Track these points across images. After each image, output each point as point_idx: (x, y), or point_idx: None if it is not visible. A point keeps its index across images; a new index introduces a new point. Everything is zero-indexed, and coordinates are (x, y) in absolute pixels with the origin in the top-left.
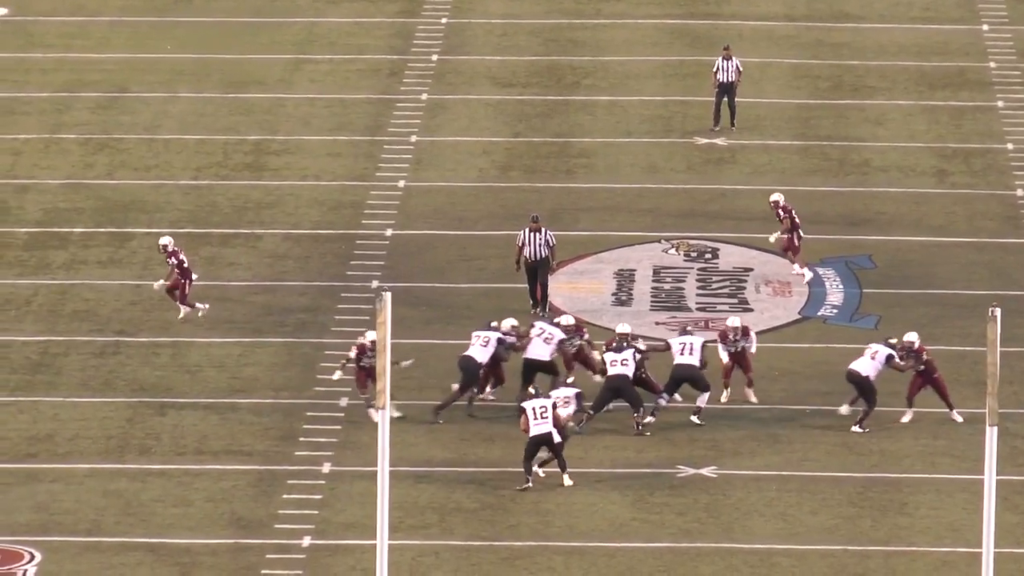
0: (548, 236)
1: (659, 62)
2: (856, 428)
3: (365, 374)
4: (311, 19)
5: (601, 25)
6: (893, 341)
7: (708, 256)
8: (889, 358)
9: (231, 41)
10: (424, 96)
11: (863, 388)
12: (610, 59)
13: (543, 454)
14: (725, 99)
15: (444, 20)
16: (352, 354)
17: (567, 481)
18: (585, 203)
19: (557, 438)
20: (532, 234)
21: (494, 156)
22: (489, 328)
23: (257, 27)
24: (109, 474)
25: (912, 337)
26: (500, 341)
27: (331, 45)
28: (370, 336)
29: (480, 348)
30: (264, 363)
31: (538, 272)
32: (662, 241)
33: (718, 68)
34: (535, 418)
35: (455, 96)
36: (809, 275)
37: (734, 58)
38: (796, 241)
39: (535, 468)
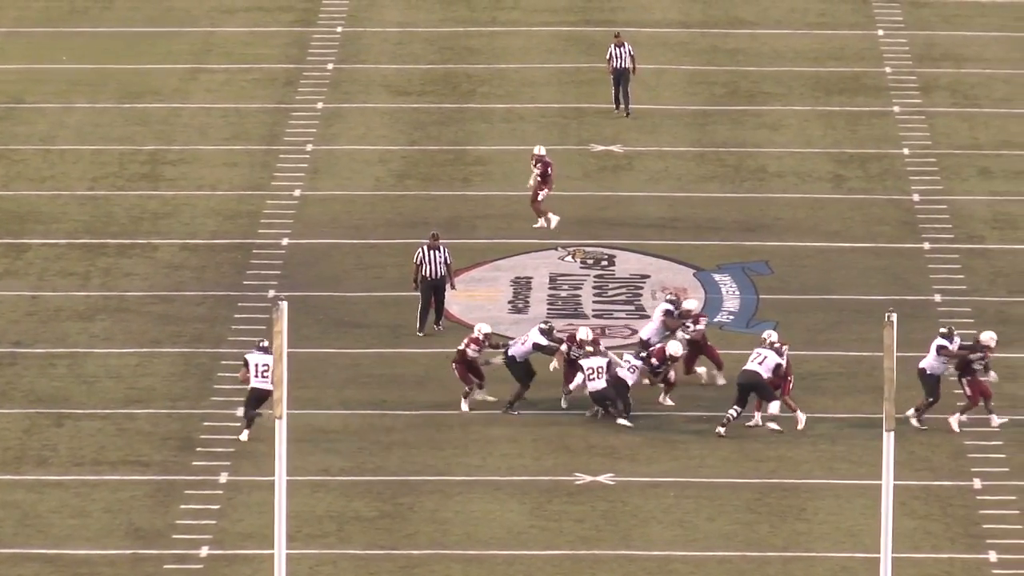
0: (446, 253)
1: (555, 69)
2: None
3: (465, 368)
4: (207, 28)
5: (496, 33)
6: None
7: (604, 263)
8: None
9: (127, 51)
10: (320, 105)
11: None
12: (506, 67)
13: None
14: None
15: (339, 29)
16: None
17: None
18: (482, 211)
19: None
20: (431, 252)
21: (390, 164)
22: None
23: (153, 37)
24: (6, 485)
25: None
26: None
27: (227, 55)
28: (483, 328)
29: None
30: (161, 373)
31: (438, 291)
32: (559, 248)
33: (611, 55)
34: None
35: (351, 104)
36: (555, 220)
37: (626, 44)
38: (540, 195)
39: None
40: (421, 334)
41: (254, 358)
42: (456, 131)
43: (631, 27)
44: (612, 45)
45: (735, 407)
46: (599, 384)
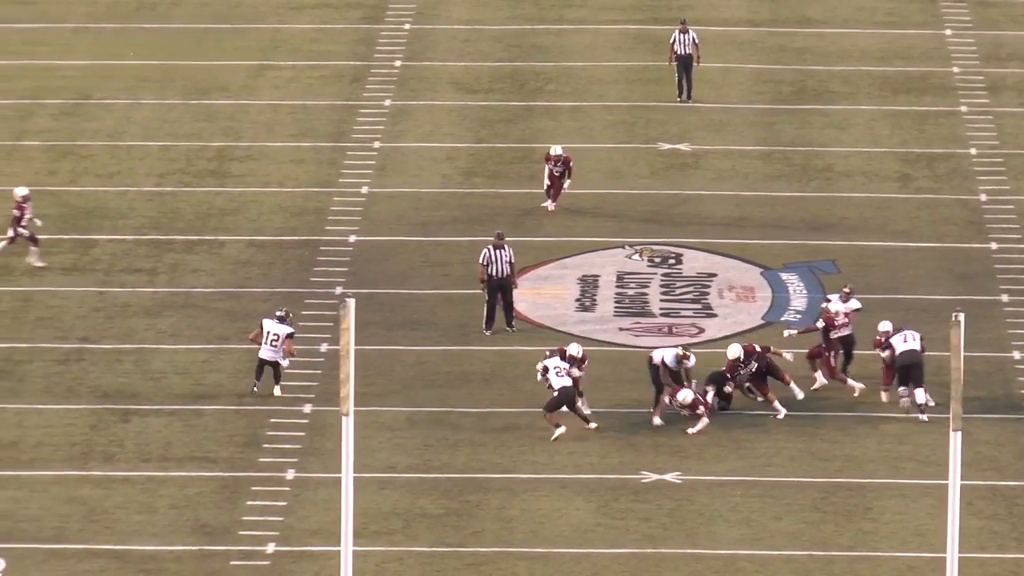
0: (511, 253)
1: (622, 67)
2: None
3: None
4: (275, 25)
5: (564, 31)
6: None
7: (672, 261)
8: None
9: (195, 47)
10: (387, 102)
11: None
12: (573, 64)
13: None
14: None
15: (407, 26)
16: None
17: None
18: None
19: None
20: (497, 251)
21: (457, 162)
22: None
23: (221, 33)
24: (73, 481)
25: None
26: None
27: (295, 51)
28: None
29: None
30: (228, 370)
31: (504, 291)
32: (626, 247)
33: (675, 41)
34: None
35: (418, 102)
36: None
37: (691, 31)
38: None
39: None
40: (488, 333)
41: (268, 325)
42: (523, 129)
43: (699, 25)
44: (677, 31)
45: (901, 388)
46: (566, 381)
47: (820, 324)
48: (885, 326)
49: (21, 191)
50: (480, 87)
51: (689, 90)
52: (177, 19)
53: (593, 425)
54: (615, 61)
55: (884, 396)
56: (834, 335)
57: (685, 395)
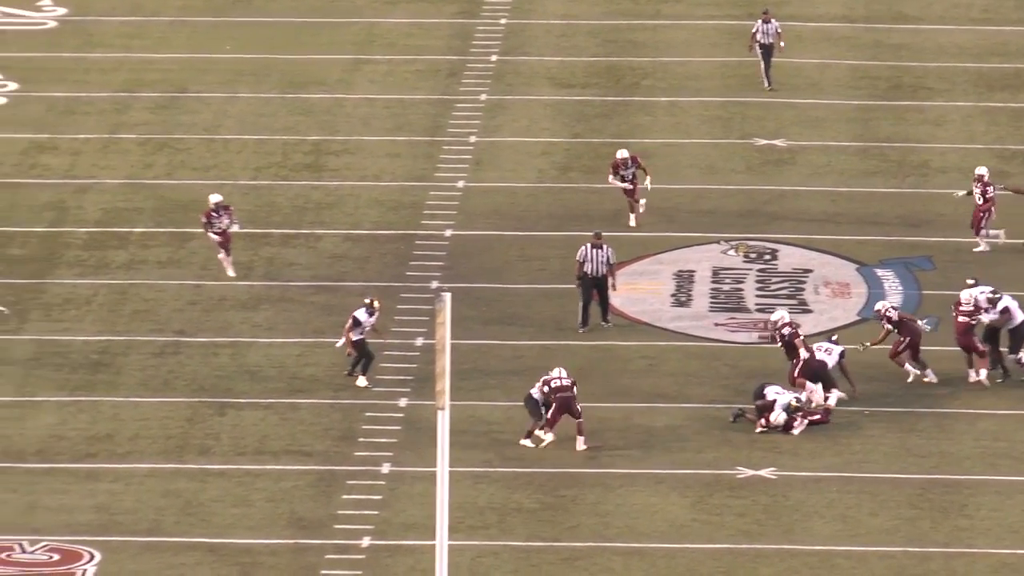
0: (609, 253)
1: (718, 63)
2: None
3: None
4: (371, 19)
5: (660, 26)
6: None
7: (767, 257)
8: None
9: (291, 41)
10: (483, 96)
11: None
12: (669, 60)
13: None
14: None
15: (503, 21)
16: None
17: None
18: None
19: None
20: (594, 250)
21: (553, 157)
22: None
23: (317, 27)
24: (169, 474)
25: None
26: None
27: (390, 46)
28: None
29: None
30: (324, 363)
31: (599, 289)
32: (721, 242)
33: (757, 30)
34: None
35: (514, 97)
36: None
37: (773, 20)
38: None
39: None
40: (582, 331)
41: (360, 315)
42: (619, 124)
43: (795, 21)
44: (759, 20)
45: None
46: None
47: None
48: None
49: (215, 198)
50: (576, 82)
51: (768, 80)
52: (274, 13)
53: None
54: (711, 56)
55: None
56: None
57: (778, 417)
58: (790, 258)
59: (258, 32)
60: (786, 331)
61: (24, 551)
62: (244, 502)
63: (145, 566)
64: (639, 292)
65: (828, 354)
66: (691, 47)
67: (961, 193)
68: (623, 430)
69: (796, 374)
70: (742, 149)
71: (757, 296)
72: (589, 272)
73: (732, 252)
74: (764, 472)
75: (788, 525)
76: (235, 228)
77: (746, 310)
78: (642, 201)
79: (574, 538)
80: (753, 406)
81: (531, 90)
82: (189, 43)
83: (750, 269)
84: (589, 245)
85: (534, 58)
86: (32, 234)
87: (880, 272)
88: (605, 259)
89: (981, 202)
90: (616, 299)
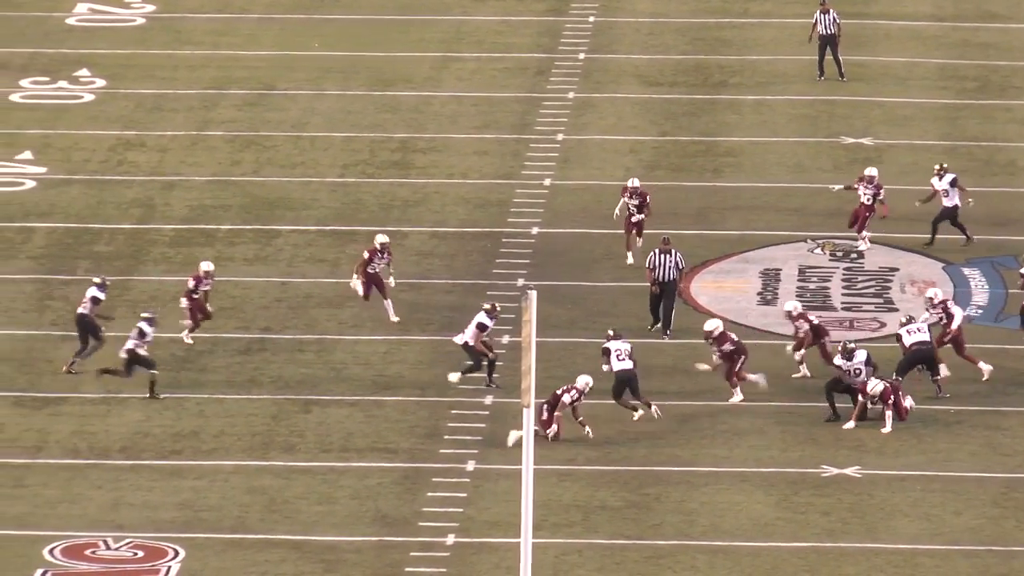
0: (678, 259)
1: (806, 61)
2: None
3: None
4: (459, 17)
5: (748, 24)
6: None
7: (854, 256)
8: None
9: (378, 39)
10: (571, 94)
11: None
12: (757, 58)
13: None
14: (828, 52)
15: (591, 18)
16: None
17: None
18: (731, 202)
19: None
20: (662, 256)
21: (641, 155)
22: None
23: (405, 25)
24: (254, 471)
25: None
26: None
27: (479, 43)
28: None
29: None
30: (410, 361)
31: (666, 296)
32: (808, 240)
33: (817, 21)
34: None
35: (602, 94)
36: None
37: (832, 11)
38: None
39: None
40: (651, 329)
41: (483, 319)
42: (707, 122)
43: (883, 20)
44: (818, 11)
45: None
46: (626, 365)
47: None
48: None
49: (382, 239)
50: (664, 80)
51: (839, 67)
52: (362, 10)
53: (641, 413)
54: (799, 55)
55: None
56: None
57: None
58: (877, 256)
59: (346, 29)
60: (811, 319)
61: (109, 548)
62: (328, 499)
63: (229, 563)
64: (725, 290)
65: (920, 333)
66: (779, 45)
67: (837, 187)
68: (708, 428)
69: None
70: (829, 147)
71: (843, 294)
72: (658, 278)
73: (819, 250)
74: (849, 471)
75: (872, 524)
76: (390, 281)
77: (832, 308)
78: (630, 254)
79: (658, 536)
80: (845, 406)
81: (619, 88)
82: (277, 40)
83: (836, 267)
84: (657, 251)
85: (622, 56)
86: (119, 231)
87: (966, 271)
88: (673, 264)
89: (869, 202)
90: (702, 297)
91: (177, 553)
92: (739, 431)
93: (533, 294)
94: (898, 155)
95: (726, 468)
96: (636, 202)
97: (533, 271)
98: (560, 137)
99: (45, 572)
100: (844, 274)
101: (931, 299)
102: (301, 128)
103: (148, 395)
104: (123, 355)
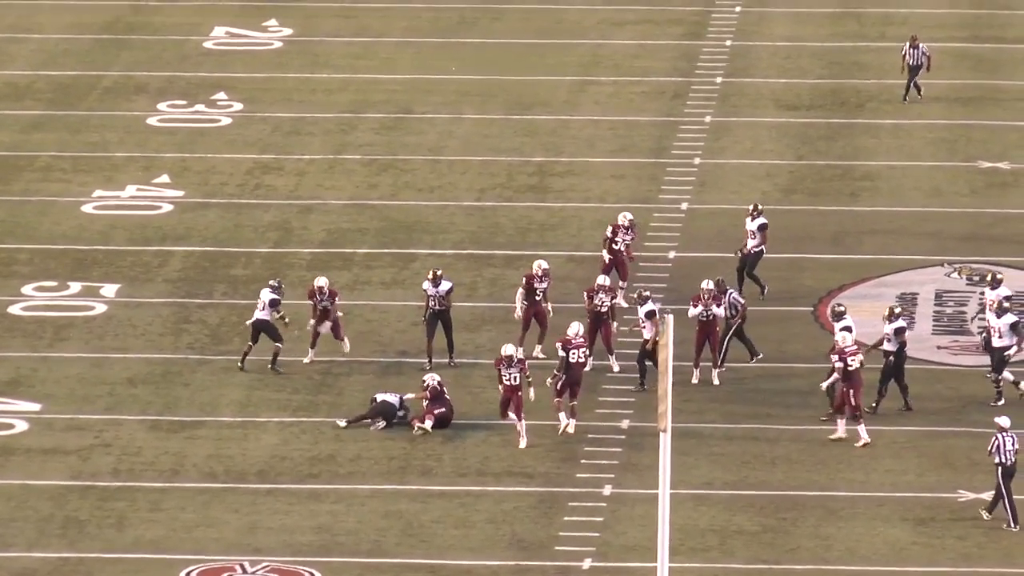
0: (734, 297)
1: (944, 85)
2: None
3: None
4: (597, 41)
5: (885, 48)
6: None
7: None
8: None
9: (516, 62)
10: (708, 118)
11: None
12: (894, 82)
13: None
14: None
15: (728, 43)
16: None
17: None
18: (868, 226)
19: None
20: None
21: (777, 179)
22: None
23: (542, 49)
24: (390, 495)
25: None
26: None
27: (616, 67)
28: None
29: None
30: (546, 385)
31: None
32: (945, 265)
33: (906, 53)
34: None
35: (739, 118)
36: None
37: (921, 45)
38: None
39: None
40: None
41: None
42: (844, 146)
43: (1020, 44)
44: (907, 44)
45: None
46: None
47: None
48: None
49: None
50: (801, 104)
51: (918, 89)
52: (499, 34)
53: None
54: (937, 79)
55: None
56: None
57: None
58: (1014, 281)
59: (483, 54)
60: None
61: (245, 571)
62: (465, 523)
63: None
64: (862, 314)
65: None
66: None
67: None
68: (844, 452)
69: None
70: (966, 172)
71: (980, 319)
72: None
73: (956, 275)
74: (985, 495)
75: (1008, 548)
76: (339, 314)
77: (969, 333)
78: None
79: (795, 561)
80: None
81: (756, 112)
82: (414, 64)
83: (973, 292)
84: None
85: (759, 80)
86: (256, 255)
87: None
88: (730, 304)
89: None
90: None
91: None
92: (875, 455)
93: (670, 318)
94: None
95: (862, 492)
96: (630, 237)
97: (670, 295)
98: (697, 161)
99: None
100: (981, 299)
101: None
102: (438, 152)
103: (269, 366)
104: (251, 324)
